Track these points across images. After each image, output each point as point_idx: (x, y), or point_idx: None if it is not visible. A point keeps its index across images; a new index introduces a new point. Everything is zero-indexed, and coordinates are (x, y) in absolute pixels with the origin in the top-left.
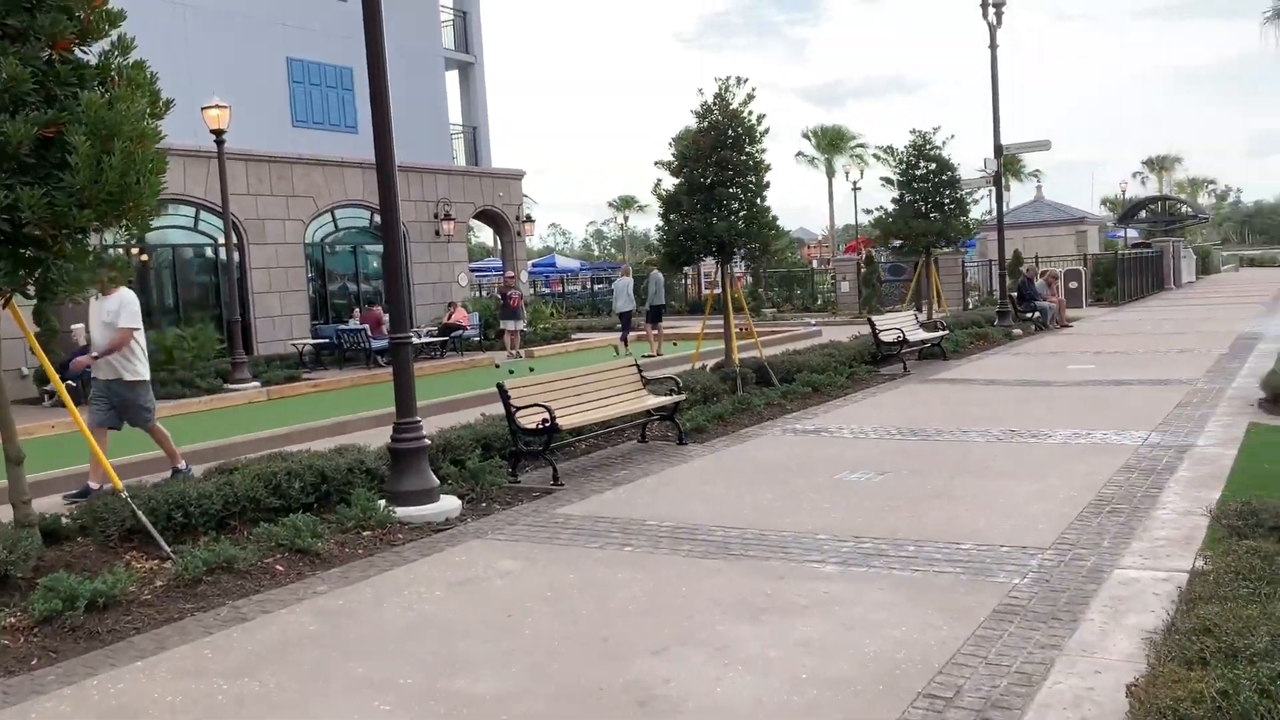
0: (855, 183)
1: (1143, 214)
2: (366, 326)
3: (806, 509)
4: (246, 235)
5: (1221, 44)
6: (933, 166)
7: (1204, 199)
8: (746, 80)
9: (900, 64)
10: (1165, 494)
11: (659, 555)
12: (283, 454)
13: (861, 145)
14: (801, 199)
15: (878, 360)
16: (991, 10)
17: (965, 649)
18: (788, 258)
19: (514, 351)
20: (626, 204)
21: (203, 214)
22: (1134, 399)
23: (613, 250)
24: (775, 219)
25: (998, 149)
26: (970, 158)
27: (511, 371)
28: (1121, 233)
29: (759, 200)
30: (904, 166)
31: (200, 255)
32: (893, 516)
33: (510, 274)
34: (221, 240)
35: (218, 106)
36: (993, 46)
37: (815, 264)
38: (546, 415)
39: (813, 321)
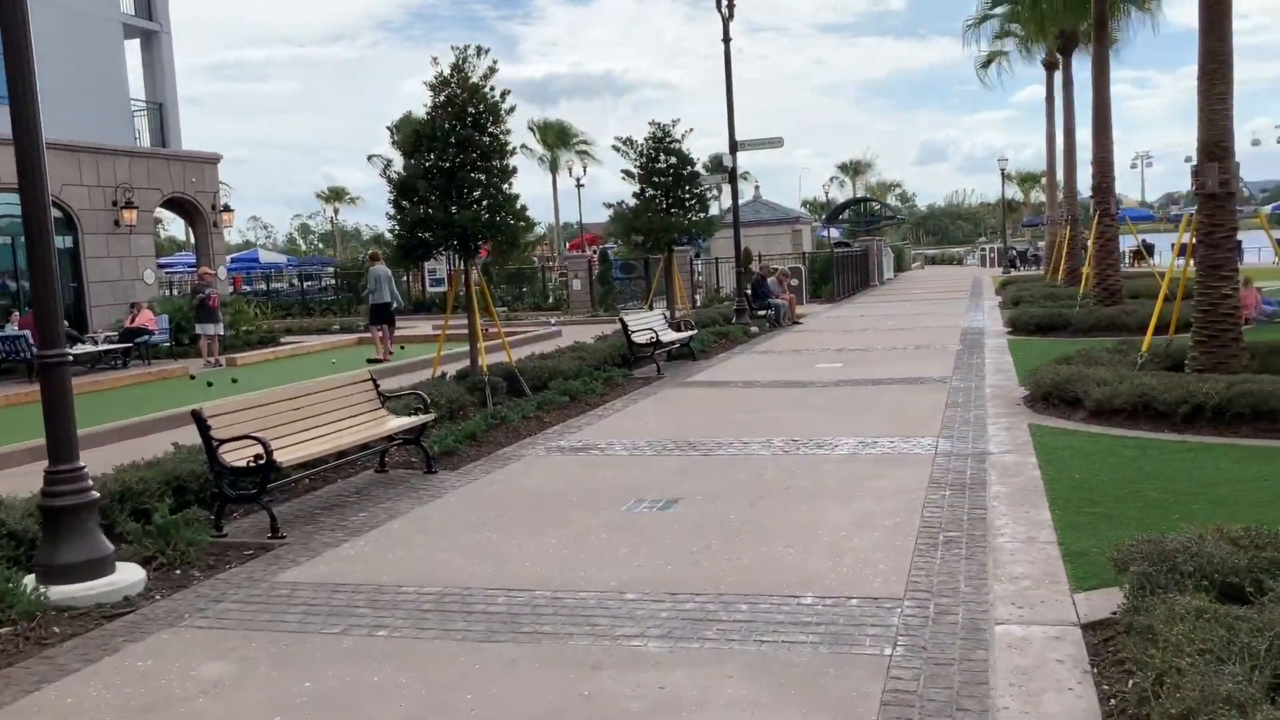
0: (579, 179)
1: (846, 214)
2: (27, 332)
3: (602, 556)
4: None
5: (895, 59)
6: (673, 161)
7: (892, 201)
8: (488, 51)
9: (611, 64)
10: (993, 516)
11: (427, 642)
12: None
13: (585, 142)
14: (524, 194)
15: (630, 363)
16: (724, 2)
17: None
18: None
19: (212, 359)
20: (336, 195)
21: None
22: (899, 399)
23: (320, 245)
24: (525, 209)
25: (733, 145)
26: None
27: (210, 384)
28: (826, 232)
29: (506, 187)
30: (644, 160)
31: None
32: (707, 561)
33: (206, 270)
34: None
35: None
36: (726, 40)
37: (536, 260)
38: (261, 450)
39: (553, 321)
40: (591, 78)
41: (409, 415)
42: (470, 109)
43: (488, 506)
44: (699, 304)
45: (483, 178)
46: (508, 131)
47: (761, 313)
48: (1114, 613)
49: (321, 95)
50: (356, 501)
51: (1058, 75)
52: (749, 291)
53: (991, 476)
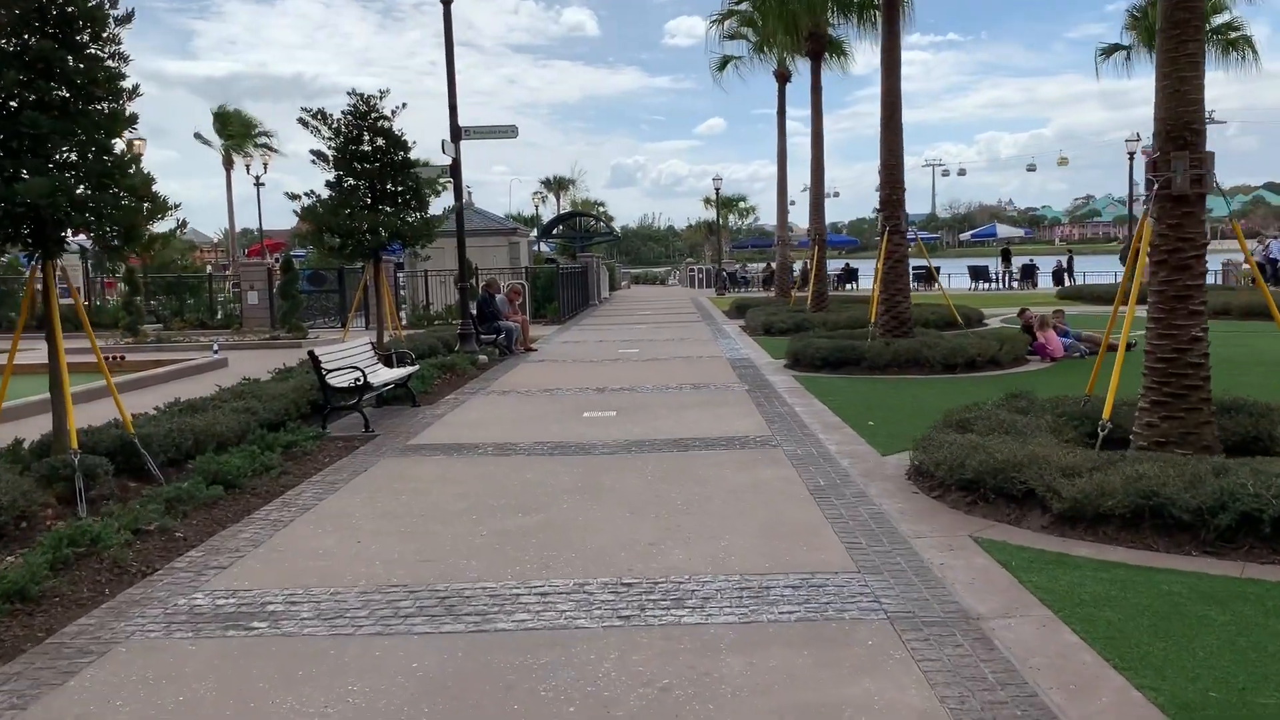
0: (259, 177)
1: (559, 229)
2: None
3: None
4: None
5: (586, 85)
6: (380, 143)
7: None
8: None
9: (301, 67)
10: None
11: None
12: None
13: (267, 134)
14: (197, 197)
15: (325, 413)
16: None
17: None
18: (174, 255)
19: None
20: None
21: None
22: (735, 481)
23: None
24: (150, 180)
25: (455, 130)
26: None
27: None
28: (540, 246)
29: (111, 144)
30: (342, 140)
31: None
32: None
33: None
34: None
35: None
36: (447, 19)
37: (210, 269)
38: None
39: (216, 346)
40: (280, 80)
41: None
42: (52, 6)
43: None
44: (405, 323)
45: (79, 129)
46: (121, 56)
47: (489, 338)
48: None
49: None
50: None
51: (790, 87)
52: (474, 313)
53: (1054, 696)
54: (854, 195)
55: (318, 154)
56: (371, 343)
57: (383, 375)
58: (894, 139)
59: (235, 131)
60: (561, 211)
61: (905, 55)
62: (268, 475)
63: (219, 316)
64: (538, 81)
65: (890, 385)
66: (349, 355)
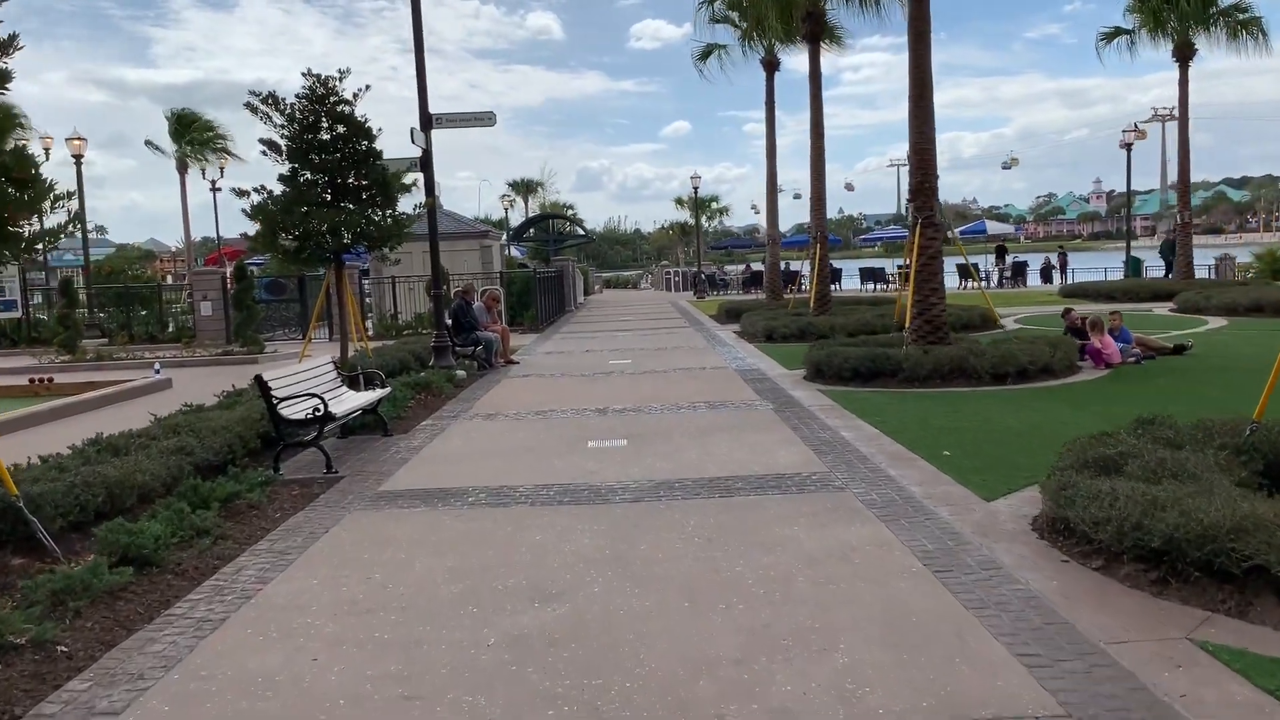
0: (215, 182)
1: (531, 232)
2: None
3: None
4: None
5: (549, 89)
6: (341, 130)
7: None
8: None
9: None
10: None
11: None
12: None
13: (223, 136)
14: (159, 206)
15: (279, 448)
16: None
17: None
18: (128, 270)
19: None
20: None
21: None
22: (816, 547)
23: None
24: (30, 160)
25: (425, 119)
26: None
27: None
28: (509, 249)
29: None
30: (296, 127)
31: None
32: None
33: None
34: None
35: None
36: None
37: (170, 279)
38: None
39: (158, 365)
40: (241, 86)
41: None
42: None
43: None
44: (371, 334)
45: None
46: None
47: (466, 350)
48: None
49: None
50: None
51: (779, 75)
52: (449, 322)
53: None
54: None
55: (269, 144)
56: (334, 361)
57: (348, 402)
58: (924, 119)
59: (196, 136)
60: (531, 215)
61: (863, 58)
62: (199, 545)
63: (170, 330)
64: (500, 86)
65: (939, 401)
66: (307, 379)
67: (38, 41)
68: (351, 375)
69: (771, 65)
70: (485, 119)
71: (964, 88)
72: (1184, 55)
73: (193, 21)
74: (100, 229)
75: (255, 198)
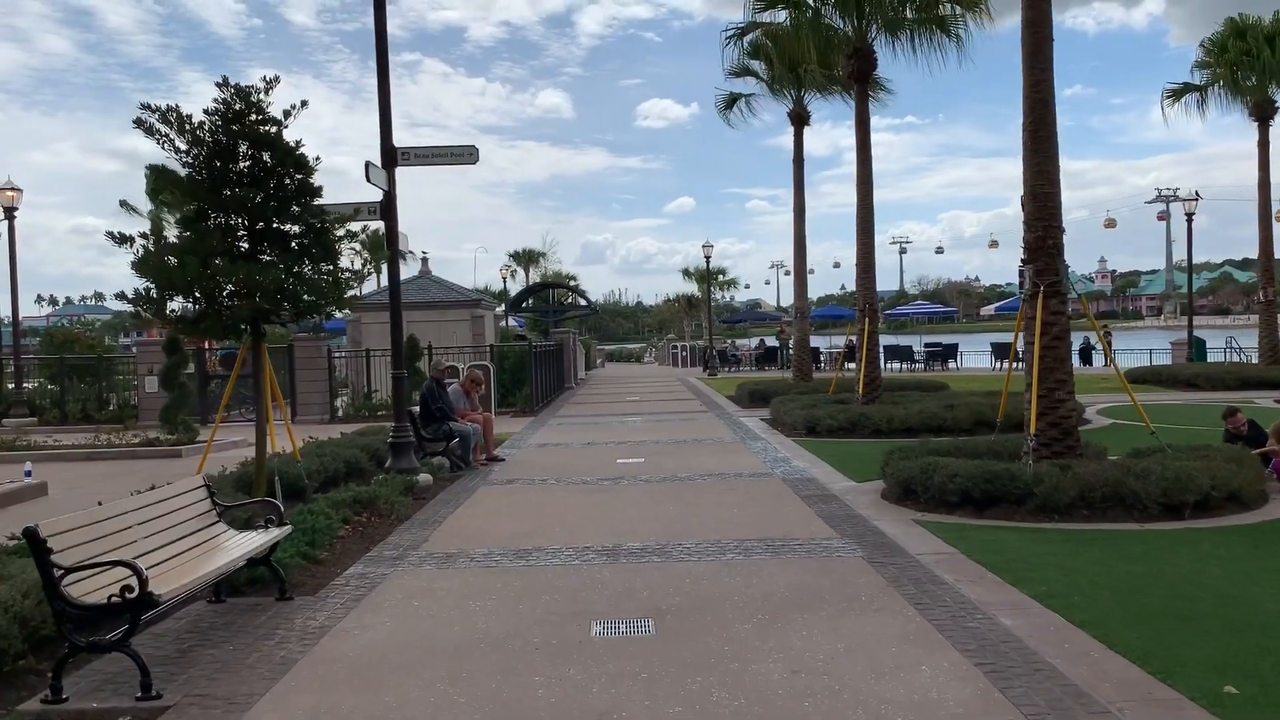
0: None
1: (530, 301)
2: None
3: None
4: None
5: (553, 164)
6: (267, 159)
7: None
8: None
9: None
10: None
11: None
12: None
13: None
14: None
15: (61, 655)
16: None
17: None
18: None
19: None
20: None
21: None
22: None
23: None
24: None
25: (389, 153)
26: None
27: None
28: (507, 321)
29: None
30: (205, 152)
31: None
32: None
33: None
34: None
35: None
36: (379, 22)
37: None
38: None
39: (28, 469)
40: None
41: None
42: None
43: None
44: (340, 414)
45: None
46: None
47: (437, 446)
48: None
49: None
50: None
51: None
52: (417, 410)
53: None
54: (824, 272)
55: (157, 170)
56: (209, 483)
57: (215, 559)
58: (1045, 154)
59: (166, 198)
60: (529, 284)
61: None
62: None
63: (112, 408)
64: (505, 161)
65: (1107, 548)
66: (144, 520)
67: (52, 111)
68: (235, 503)
69: (801, 119)
70: (465, 155)
71: (963, 168)
72: (1263, 114)
73: (202, 95)
74: (99, 296)
75: (141, 245)
